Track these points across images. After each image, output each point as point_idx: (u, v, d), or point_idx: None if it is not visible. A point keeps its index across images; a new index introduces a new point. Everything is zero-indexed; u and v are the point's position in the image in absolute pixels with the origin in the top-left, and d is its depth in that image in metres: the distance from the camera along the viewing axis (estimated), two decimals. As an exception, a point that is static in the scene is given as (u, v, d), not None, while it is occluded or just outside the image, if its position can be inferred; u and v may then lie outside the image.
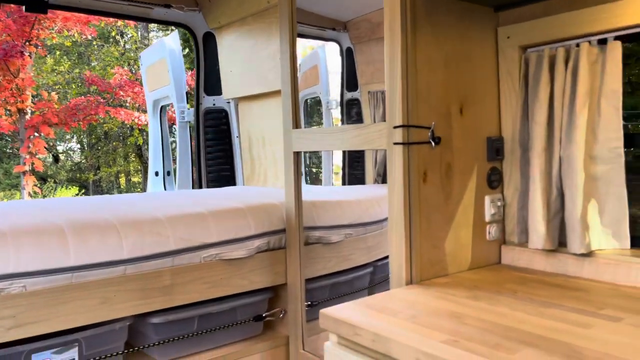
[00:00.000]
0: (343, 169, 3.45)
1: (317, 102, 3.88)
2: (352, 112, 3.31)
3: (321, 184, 3.95)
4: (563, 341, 1.14)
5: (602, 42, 1.63)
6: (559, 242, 1.75)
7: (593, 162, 1.66)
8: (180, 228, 1.88)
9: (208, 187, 3.34)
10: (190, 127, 3.60)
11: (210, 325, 1.99)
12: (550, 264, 1.75)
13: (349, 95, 3.34)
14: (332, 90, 3.57)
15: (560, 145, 1.69)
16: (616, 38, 1.60)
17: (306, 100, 3.81)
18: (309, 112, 4.12)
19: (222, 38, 3.18)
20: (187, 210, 1.98)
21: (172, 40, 3.55)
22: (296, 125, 2.07)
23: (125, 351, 1.84)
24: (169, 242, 1.84)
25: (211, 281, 1.93)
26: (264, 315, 2.14)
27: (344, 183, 3.44)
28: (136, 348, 1.89)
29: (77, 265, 1.66)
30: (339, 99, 3.45)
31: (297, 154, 2.07)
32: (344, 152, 3.47)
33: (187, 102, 3.57)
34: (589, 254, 1.65)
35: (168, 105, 3.88)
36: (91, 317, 1.69)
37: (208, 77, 3.33)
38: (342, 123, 3.51)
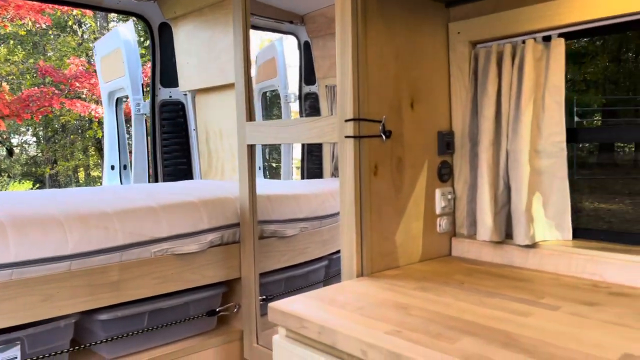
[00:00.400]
0: (302, 163, 3.45)
1: (277, 96, 3.85)
2: (310, 106, 3.31)
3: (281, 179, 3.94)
4: (502, 329, 1.17)
5: (547, 39, 1.68)
6: (507, 234, 1.79)
7: (538, 156, 1.71)
8: (129, 222, 1.84)
9: (164, 181, 3.28)
10: (146, 119, 3.51)
11: (161, 321, 1.95)
12: (498, 255, 1.79)
13: (307, 89, 3.33)
14: (291, 83, 3.55)
15: (507, 140, 1.73)
16: (560, 35, 1.65)
17: (265, 93, 3.78)
18: (268, 105, 4.10)
19: (179, 29, 3.11)
20: (137, 204, 1.94)
21: (127, 29, 3.45)
22: (250, 117, 2.05)
23: (71, 349, 1.79)
24: (117, 237, 1.80)
25: (162, 276, 1.90)
26: (217, 310, 2.12)
27: (302, 177, 3.44)
28: (83, 346, 1.84)
29: (17, 262, 1.59)
30: (297, 93, 3.44)
31: (251, 147, 2.05)
32: (302, 146, 3.47)
33: (143, 94, 3.49)
34: (533, 246, 1.70)
35: (124, 97, 3.78)
36: (33, 314, 1.63)
37: (164, 69, 3.26)
38: (301, 117, 3.50)
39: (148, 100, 3.36)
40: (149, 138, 3.45)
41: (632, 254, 1.49)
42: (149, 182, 3.43)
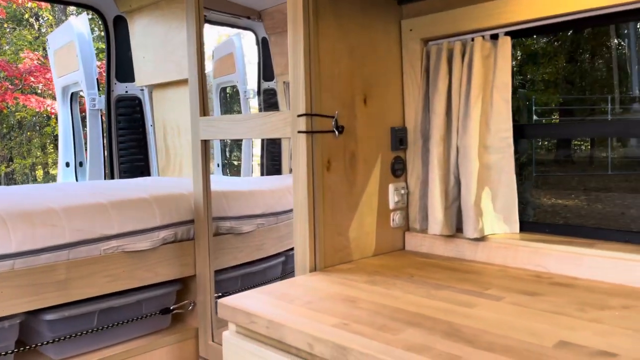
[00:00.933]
0: (261, 159, 3.43)
1: (237, 92, 3.82)
2: (269, 101, 3.29)
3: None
4: (446, 320, 1.19)
5: (496, 38, 1.72)
6: (457, 228, 1.83)
7: (486, 151, 1.75)
8: (77, 219, 1.79)
9: (121, 178, 3.21)
10: (102, 115, 3.43)
11: (112, 320, 1.91)
12: (449, 249, 1.82)
13: (265, 85, 3.32)
14: (250, 79, 3.53)
15: (457, 135, 1.76)
16: (506, 33, 1.69)
17: (224, 88, 3.74)
18: (228, 101, 4.06)
19: (134, 22, 3.05)
20: (86, 201, 1.89)
21: (80, 22, 3.35)
22: (204, 112, 2.03)
23: (17, 350, 1.73)
24: (64, 234, 1.75)
25: (112, 274, 1.85)
26: (171, 308, 2.09)
27: (262, 174, 3.42)
28: (29, 347, 1.78)
29: (-44, 261, 1.53)
30: (256, 89, 3.42)
31: (204, 142, 2.03)
32: (262, 143, 3.45)
33: (99, 89, 3.40)
34: (482, 239, 1.74)
35: (79, 92, 3.68)
36: (-26, 315, 1.57)
37: (120, 63, 3.19)
38: (260, 112, 3.49)
39: (103, 96, 3.28)
40: (105, 134, 3.36)
41: (573, 246, 1.55)
42: (105, 179, 3.35)
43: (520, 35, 1.74)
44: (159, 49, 2.91)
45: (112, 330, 1.92)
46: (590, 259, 1.49)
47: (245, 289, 2.29)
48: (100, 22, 3.22)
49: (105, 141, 3.32)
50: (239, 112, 3.97)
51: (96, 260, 1.81)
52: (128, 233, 1.90)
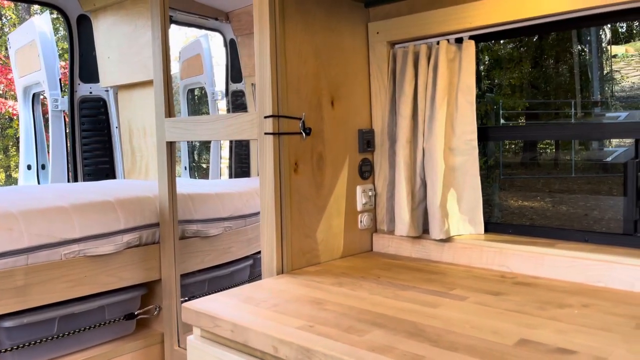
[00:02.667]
0: (230, 162, 3.40)
1: (206, 93, 3.78)
2: (237, 103, 3.27)
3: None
4: (411, 321, 1.20)
5: (460, 41, 1.74)
6: (424, 229, 1.85)
7: (451, 153, 1.77)
8: (36, 223, 1.74)
9: (85, 180, 3.13)
10: (65, 116, 3.34)
11: (74, 326, 1.86)
12: (416, 250, 1.84)
13: (234, 86, 3.29)
14: (218, 81, 3.49)
15: (423, 138, 1.78)
16: (471, 37, 1.72)
17: (192, 89, 3.69)
18: (197, 102, 4.01)
19: (98, 22, 2.98)
20: (46, 205, 1.83)
21: (43, 21, 3.26)
22: (169, 114, 2.00)
23: (-29, 360, 1.67)
24: (23, 239, 1.69)
25: (74, 279, 1.80)
26: (136, 313, 2.05)
27: (230, 176, 3.39)
28: (-15, 356, 1.72)
29: None
30: (224, 90, 3.39)
31: (170, 144, 2.00)
32: (230, 145, 3.42)
33: (62, 90, 3.31)
34: (448, 240, 1.76)
35: (41, 92, 3.57)
36: None
37: (84, 63, 3.11)
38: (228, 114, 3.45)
39: (66, 97, 3.19)
40: (68, 136, 3.28)
41: (535, 246, 1.58)
42: (68, 182, 3.26)
43: (484, 39, 1.77)
44: (124, 49, 2.85)
45: (74, 336, 1.87)
46: (551, 258, 1.53)
47: (213, 293, 2.27)
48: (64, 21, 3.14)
49: (68, 143, 3.23)
50: (207, 113, 3.93)
51: (57, 265, 1.76)
52: (90, 237, 1.85)
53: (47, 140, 3.57)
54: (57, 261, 1.76)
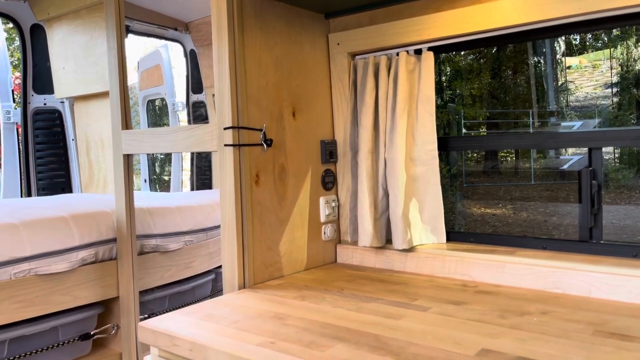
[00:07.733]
0: (191, 174, 3.34)
1: (166, 104, 3.71)
2: (198, 114, 3.22)
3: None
4: (373, 333, 1.18)
5: (420, 53, 1.76)
6: (387, 239, 1.85)
7: (413, 163, 1.78)
8: (-18, 241, 1.65)
9: (39, 195, 3.01)
10: (18, 128, 3.21)
11: (25, 349, 1.77)
12: (379, 260, 1.83)
13: (194, 97, 3.24)
14: (179, 91, 3.43)
15: (384, 148, 1.79)
16: (430, 49, 1.74)
17: (152, 100, 3.62)
18: (157, 113, 3.93)
19: (53, 31, 2.89)
20: (-6, 221, 1.74)
21: (-7, 30, 3.14)
22: (126, 125, 1.94)
23: None
24: (-32, 258, 1.60)
25: (24, 300, 1.72)
26: (92, 332, 1.97)
27: (192, 188, 3.33)
28: None
29: None
30: (185, 101, 3.33)
31: (127, 157, 1.94)
32: (192, 157, 3.36)
33: (14, 101, 3.19)
34: (411, 250, 1.76)
35: (-8, 104, 3.43)
36: None
37: (37, 74, 3.01)
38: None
39: (19, 108, 3.07)
40: (21, 149, 3.15)
41: (495, 254, 1.60)
42: (21, 197, 3.13)
43: (443, 50, 1.79)
44: (80, 59, 2.77)
45: (26, 359, 1.78)
46: (511, 266, 1.54)
47: (174, 309, 2.20)
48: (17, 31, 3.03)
49: (21, 156, 3.11)
50: (168, 124, 3.85)
51: (6, 285, 1.67)
52: (42, 255, 1.77)
53: (-1, 153, 3.42)
54: (6, 281, 1.68)
